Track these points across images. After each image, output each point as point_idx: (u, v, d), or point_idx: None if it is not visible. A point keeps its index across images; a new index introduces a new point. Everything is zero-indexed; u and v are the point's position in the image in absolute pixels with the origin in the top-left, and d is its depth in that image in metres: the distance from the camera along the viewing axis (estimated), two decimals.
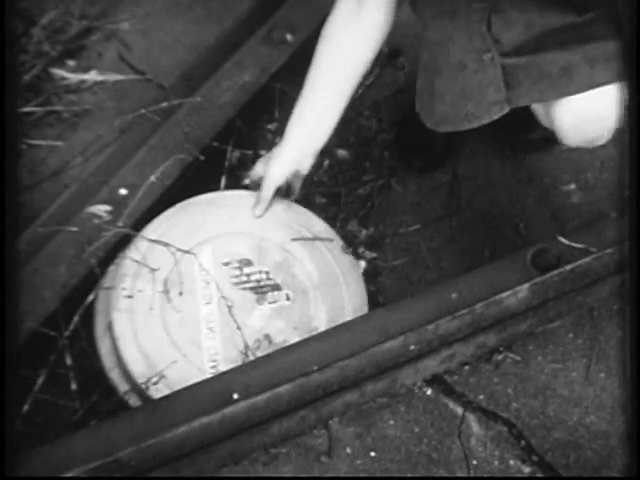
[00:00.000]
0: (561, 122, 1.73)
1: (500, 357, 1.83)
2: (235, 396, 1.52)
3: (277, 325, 1.76)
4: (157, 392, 1.63)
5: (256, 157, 2.08)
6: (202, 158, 1.94)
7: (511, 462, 1.71)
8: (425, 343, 1.64)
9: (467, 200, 2.08)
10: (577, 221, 2.04)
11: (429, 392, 1.78)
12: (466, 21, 1.69)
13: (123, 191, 1.87)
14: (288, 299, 1.79)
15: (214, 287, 1.76)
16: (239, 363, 1.67)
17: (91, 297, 1.75)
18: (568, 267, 1.69)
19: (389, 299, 1.92)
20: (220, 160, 2.03)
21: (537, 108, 1.83)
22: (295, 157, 1.82)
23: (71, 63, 2.18)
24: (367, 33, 1.76)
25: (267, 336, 1.74)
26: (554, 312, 1.81)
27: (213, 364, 1.70)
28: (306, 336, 1.68)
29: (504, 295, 1.66)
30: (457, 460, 1.71)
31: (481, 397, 1.78)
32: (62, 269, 1.77)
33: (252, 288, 1.79)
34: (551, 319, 1.84)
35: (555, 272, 1.68)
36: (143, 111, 1.98)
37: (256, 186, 1.89)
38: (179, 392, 1.56)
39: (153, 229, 1.81)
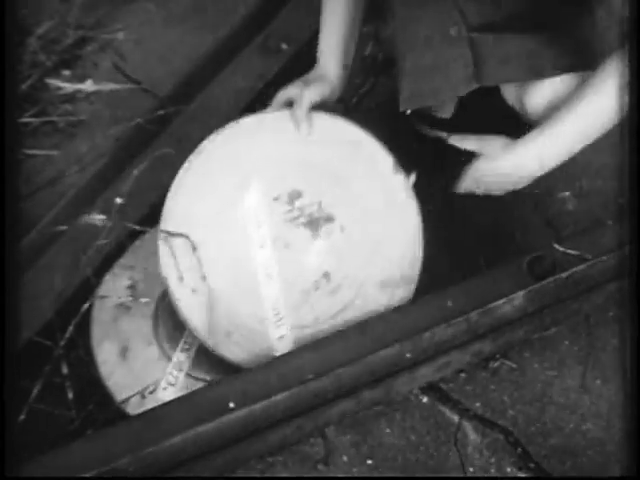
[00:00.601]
0: (532, 109, 1.74)
1: (496, 364, 1.83)
2: (231, 405, 1.52)
3: (334, 261, 1.69)
4: (228, 351, 1.65)
5: None
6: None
7: (508, 469, 1.70)
8: (421, 351, 1.65)
9: (462, 207, 2.08)
10: (572, 228, 2.04)
11: (425, 400, 1.78)
12: None
13: (119, 200, 1.87)
14: (342, 230, 1.71)
15: (267, 228, 1.67)
16: (301, 309, 1.67)
17: (86, 305, 1.75)
18: (564, 274, 1.69)
19: None
20: None
21: (508, 93, 1.83)
22: (334, 83, 1.77)
23: (67, 73, 2.18)
24: None
25: (326, 274, 1.69)
26: (550, 319, 1.81)
27: (276, 312, 1.67)
28: (364, 267, 1.69)
29: (500, 302, 1.66)
30: (454, 468, 1.70)
31: (477, 405, 1.78)
32: (58, 278, 1.77)
33: (305, 223, 1.70)
34: (547, 326, 1.84)
35: (551, 279, 1.68)
36: (139, 120, 1.99)
37: (278, 107, 1.77)
38: (175, 401, 1.57)
39: (199, 152, 1.69)
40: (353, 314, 1.71)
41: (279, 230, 1.68)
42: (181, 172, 1.68)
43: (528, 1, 1.65)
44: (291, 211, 1.69)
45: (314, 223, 1.70)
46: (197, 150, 1.69)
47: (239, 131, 1.72)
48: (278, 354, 1.67)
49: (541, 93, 1.70)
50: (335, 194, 1.72)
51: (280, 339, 1.69)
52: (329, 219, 1.71)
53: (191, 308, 1.64)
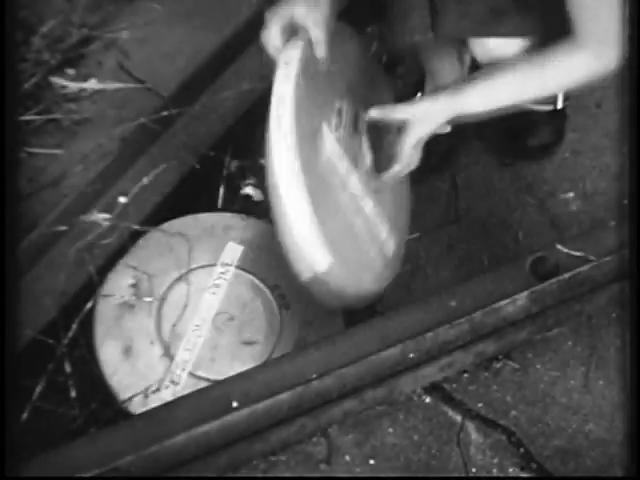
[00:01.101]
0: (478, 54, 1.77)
1: (499, 365, 1.83)
2: (234, 404, 1.52)
3: (368, 155, 1.79)
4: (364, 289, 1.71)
5: (255, 166, 2.08)
6: (197, 166, 1.95)
7: (510, 470, 1.70)
8: (424, 351, 1.64)
9: (466, 208, 2.08)
10: (576, 229, 2.04)
11: (428, 400, 1.78)
12: None
13: (122, 199, 1.87)
14: (366, 117, 1.76)
15: (346, 156, 1.71)
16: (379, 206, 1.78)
17: (90, 304, 1.75)
18: (567, 275, 1.69)
19: (388, 307, 1.92)
20: (219, 168, 2.03)
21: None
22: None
23: (71, 72, 2.18)
24: None
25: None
26: (553, 320, 1.81)
27: (380, 225, 1.78)
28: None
29: (503, 303, 1.66)
30: (456, 468, 1.70)
31: (480, 405, 1.78)
32: (61, 277, 1.77)
33: (354, 130, 1.77)
34: (550, 327, 1.84)
35: (554, 280, 1.69)
36: (143, 120, 1.99)
37: (281, 23, 1.60)
38: (178, 400, 1.57)
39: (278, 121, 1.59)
40: (391, 190, 1.86)
41: (349, 152, 1.72)
42: (276, 151, 1.56)
43: None
44: (345, 128, 1.73)
45: (355, 125, 1.76)
46: (275, 118, 1.57)
47: (287, 86, 1.59)
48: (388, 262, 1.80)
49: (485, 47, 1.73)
50: (349, 89, 1.77)
51: (388, 247, 1.79)
52: (358, 114, 1.77)
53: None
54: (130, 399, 1.69)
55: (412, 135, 1.66)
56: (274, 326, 1.81)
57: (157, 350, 1.75)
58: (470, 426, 1.75)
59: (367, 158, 1.79)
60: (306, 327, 1.82)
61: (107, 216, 1.84)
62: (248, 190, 2.04)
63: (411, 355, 1.63)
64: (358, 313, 1.84)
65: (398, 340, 1.61)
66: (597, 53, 1.55)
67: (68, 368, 1.71)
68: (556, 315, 1.79)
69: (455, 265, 1.99)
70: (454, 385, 1.80)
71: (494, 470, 1.70)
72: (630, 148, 1.91)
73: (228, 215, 1.97)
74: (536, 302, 1.70)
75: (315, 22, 1.58)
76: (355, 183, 1.72)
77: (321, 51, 1.60)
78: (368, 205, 1.75)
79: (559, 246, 1.72)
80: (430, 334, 1.62)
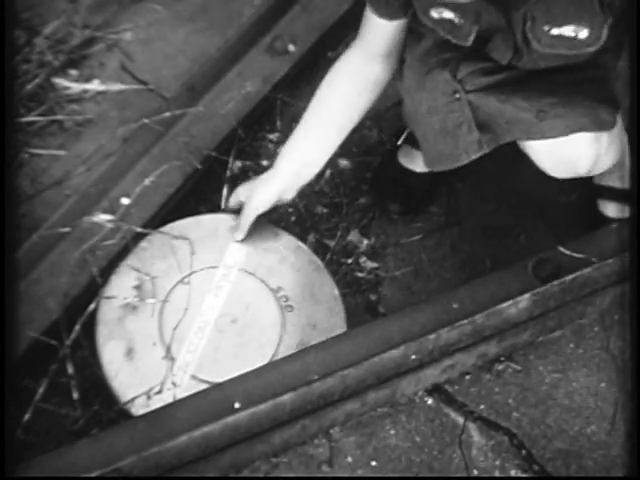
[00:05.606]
0: (539, 161, 1.75)
1: (501, 367, 1.83)
2: (236, 405, 1.52)
3: None
4: None
5: (257, 167, 2.08)
6: (199, 167, 1.95)
7: (512, 472, 1.70)
8: (426, 353, 1.65)
9: (468, 210, 2.08)
10: (578, 231, 2.04)
11: (430, 402, 1.78)
12: (432, 69, 1.72)
13: (125, 200, 1.88)
14: None
15: None
16: None
17: (92, 306, 1.75)
18: (569, 277, 1.69)
19: (390, 309, 1.92)
20: (222, 170, 2.03)
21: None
22: (282, 188, 1.83)
23: (74, 73, 2.18)
24: (370, 86, 1.81)
25: None
26: (555, 322, 1.81)
27: None
28: None
29: (505, 305, 1.66)
30: (458, 470, 1.71)
31: (482, 407, 1.78)
32: (64, 278, 1.77)
33: None
34: (552, 329, 1.84)
35: (556, 282, 1.69)
36: (145, 121, 1.99)
37: (231, 211, 1.91)
38: (180, 401, 1.57)
39: None
40: None
41: None
42: None
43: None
44: None
45: None
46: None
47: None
48: None
49: (544, 148, 1.74)
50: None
51: None
52: None
53: None
54: (132, 400, 1.69)
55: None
56: (277, 328, 1.81)
57: (159, 352, 1.75)
58: (472, 428, 1.76)
59: None
60: (309, 329, 1.82)
61: (110, 217, 1.84)
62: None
63: (413, 357, 1.63)
64: (360, 315, 1.85)
65: (400, 342, 1.61)
66: None
67: (70, 369, 1.71)
68: (558, 317, 1.79)
69: (457, 267, 1.99)
70: (456, 387, 1.80)
71: (496, 472, 1.70)
72: (631, 150, 1.91)
73: (231, 217, 1.96)
74: (538, 304, 1.70)
75: (247, 212, 1.85)
76: None
77: (237, 235, 1.88)
78: None
79: (561, 248, 1.72)
80: (432, 336, 1.62)
